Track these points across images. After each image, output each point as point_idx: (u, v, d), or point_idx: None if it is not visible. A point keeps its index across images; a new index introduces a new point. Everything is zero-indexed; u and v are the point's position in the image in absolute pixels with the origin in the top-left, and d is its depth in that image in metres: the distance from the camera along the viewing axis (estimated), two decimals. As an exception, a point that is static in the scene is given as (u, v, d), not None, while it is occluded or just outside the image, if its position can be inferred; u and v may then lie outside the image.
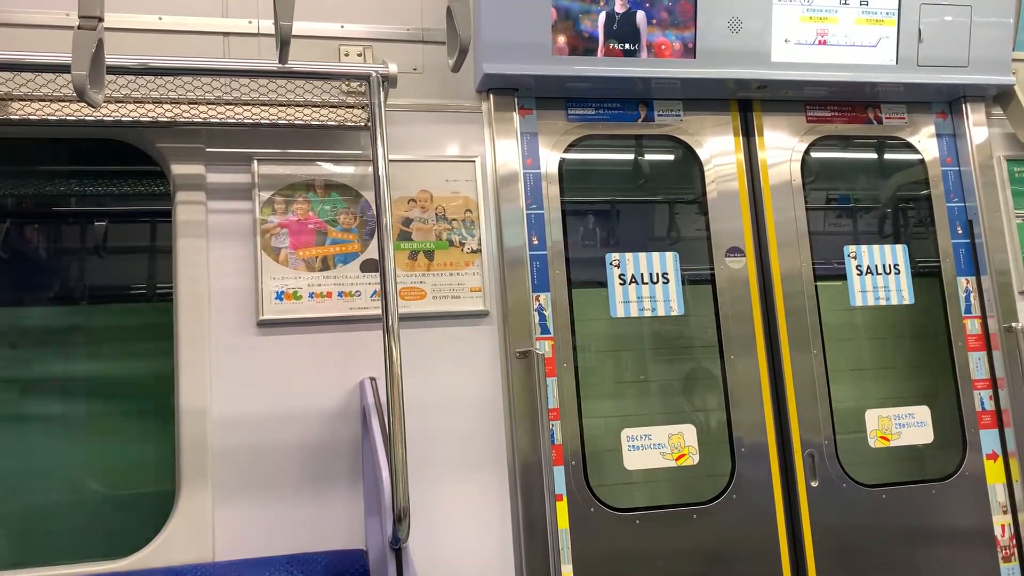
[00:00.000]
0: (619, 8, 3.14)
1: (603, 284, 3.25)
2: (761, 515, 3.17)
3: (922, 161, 3.66)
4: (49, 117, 2.71)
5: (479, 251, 3.11)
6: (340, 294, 2.96)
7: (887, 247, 3.54)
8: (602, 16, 3.13)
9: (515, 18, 3.06)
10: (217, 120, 2.85)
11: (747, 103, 3.51)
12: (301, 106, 2.93)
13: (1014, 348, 3.41)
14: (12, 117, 2.70)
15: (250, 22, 3.05)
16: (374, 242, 2.98)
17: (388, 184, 2.67)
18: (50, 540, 3.10)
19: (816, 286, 3.38)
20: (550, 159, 3.26)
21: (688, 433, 3.19)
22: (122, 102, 2.78)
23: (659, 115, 3.42)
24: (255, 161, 2.98)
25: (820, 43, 3.35)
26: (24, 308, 3.35)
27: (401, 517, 2.36)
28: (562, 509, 2.99)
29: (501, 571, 2.90)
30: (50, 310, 3.38)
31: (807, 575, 3.16)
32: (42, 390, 3.23)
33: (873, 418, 3.37)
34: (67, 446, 3.20)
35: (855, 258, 3.50)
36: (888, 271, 3.50)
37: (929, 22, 3.41)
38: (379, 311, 2.62)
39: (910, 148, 3.67)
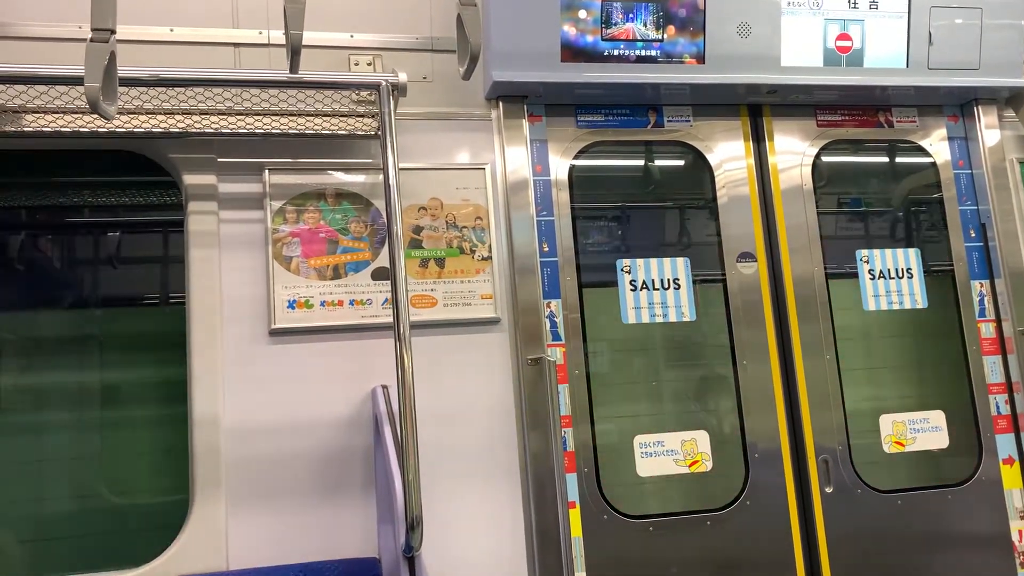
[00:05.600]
0: (626, 15, 3.14)
1: (614, 290, 3.25)
2: (775, 522, 3.15)
3: (934, 164, 3.64)
4: (62, 129, 2.74)
5: (490, 258, 3.11)
6: (351, 302, 2.96)
7: (899, 251, 3.52)
8: (613, 26, 3.13)
9: (524, 26, 3.06)
10: (228, 130, 2.86)
11: (757, 108, 3.50)
12: (312, 116, 2.94)
13: (1029, 352, 3.39)
14: (26, 129, 2.72)
15: (260, 32, 3.07)
16: (385, 250, 2.99)
17: (398, 192, 2.69)
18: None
19: (829, 290, 3.37)
20: (560, 166, 3.26)
21: (701, 439, 3.17)
22: (134, 113, 2.80)
23: (669, 121, 3.42)
24: (266, 171, 2.99)
25: (830, 47, 3.34)
26: (39, 317, 3.38)
27: (414, 525, 2.36)
28: (575, 516, 2.99)
29: (514, 579, 2.90)
30: (64, 319, 3.40)
31: (822, 582, 3.14)
32: (56, 396, 3.25)
33: (888, 423, 3.35)
34: (82, 451, 3.22)
35: (867, 262, 3.48)
36: (901, 275, 3.49)
37: (940, 25, 3.39)
38: (390, 319, 2.62)
39: (921, 151, 3.66)
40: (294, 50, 2.52)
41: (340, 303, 2.95)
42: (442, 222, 3.10)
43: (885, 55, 3.39)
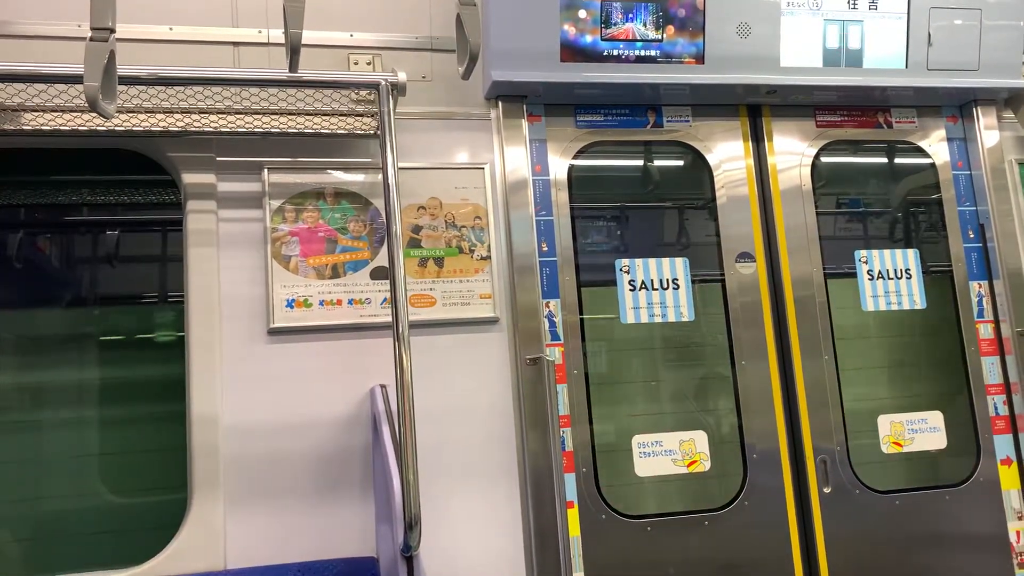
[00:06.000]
0: (626, 15, 3.14)
1: (613, 290, 3.25)
2: (773, 522, 3.15)
3: (933, 165, 3.64)
4: (61, 127, 2.73)
5: (489, 258, 3.11)
6: (350, 302, 2.96)
7: (898, 251, 3.52)
8: (612, 26, 3.13)
9: (523, 26, 3.06)
10: (227, 129, 2.86)
11: (756, 108, 3.50)
12: (311, 115, 2.94)
13: (1028, 353, 3.39)
14: (25, 128, 2.72)
15: (260, 31, 3.06)
16: (384, 249, 2.99)
17: (397, 191, 2.69)
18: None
19: (827, 291, 3.37)
20: (559, 165, 3.26)
21: (699, 439, 3.18)
22: (133, 112, 2.80)
23: (668, 121, 3.42)
24: (265, 170, 2.99)
25: (829, 47, 3.34)
26: (37, 315, 3.37)
27: (412, 525, 2.36)
28: (573, 516, 2.99)
29: (512, 579, 2.90)
30: (62, 317, 3.40)
31: (820, 582, 3.14)
32: (54, 394, 3.25)
33: (886, 423, 3.35)
34: (82, 449, 3.22)
35: (866, 263, 3.48)
36: (899, 276, 3.49)
37: (939, 26, 3.40)
38: (389, 318, 2.62)
39: (921, 152, 3.66)
40: (293, 49, 2.52)
41: (339, 302, 2.95)
42: (441, 221, 3.10)
43: (884, 56, 3.39)
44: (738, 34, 3.23)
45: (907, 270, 3.50)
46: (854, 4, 3.34)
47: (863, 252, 3.49)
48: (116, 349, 3.37)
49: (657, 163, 3.71)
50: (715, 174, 3.41)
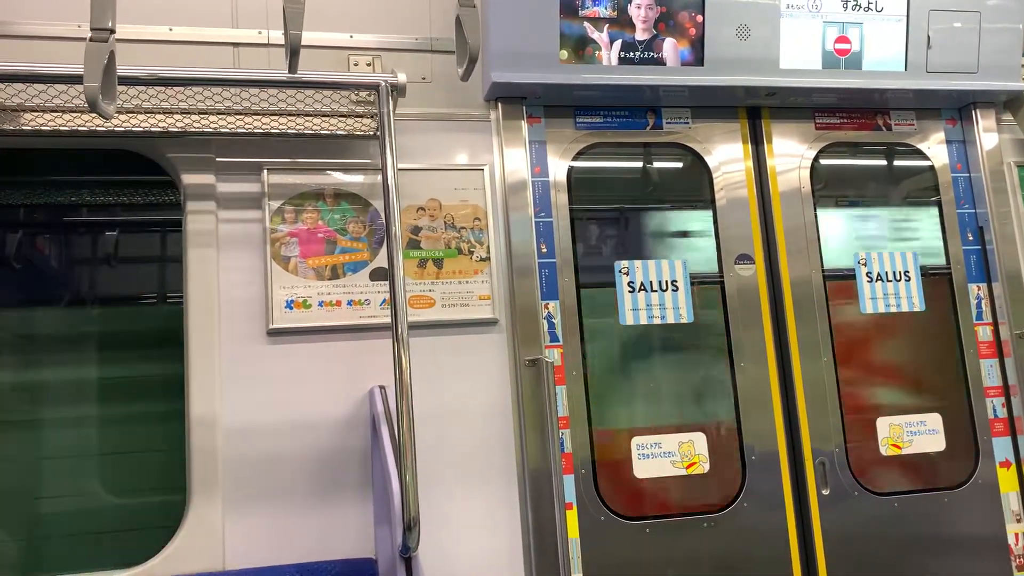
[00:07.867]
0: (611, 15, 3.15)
1: (612, 292, 3.25)
2: (772, 524, 3.15)
3: (932, 167, 3.64)
4: (61, 128, 2.73)
5: (488, 259, 3.11)
6: (349, 303, 2.96)
7: (897, 254, 3.52)
8: (606, 31, 3.14)
9: (523, 27, 3.07)
10: (227, 130, 2.86)
11: (756, 110, 3.51)
12: (311, 116, 2.94)
13: (1026, 355, 3.40)
14: (25, 128, 2.72)
15: (260, 32, 3.07)
16: (383, 251, 2.99)
17: (397, 193, 2.69)
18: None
19: (826, 292, 3.37)
20: (558, 167, 3.26)
21: (698, 441, 3.18)
22: (133, 113, 2.80)
23: (667, 123, 3.42)
24: (265, 171, 2.99)
25: (828, 50, 3.34)
26: (36, 315, 3.37)
27: (411, 526, 2.36)
28: (572, 518, 2.99)
29: (511, 580, 2.90)
30: (61, 317, 3.40)
31: (819, 584, 3.14)
32: (53, 394, 3.25)
33: (885, 426, 3.35)
34: (82, 450, 3.21)
35: (865, 265, 3.48)
36: (898, 278, 3.49)
37: (938, 28, 3.40)
38: (388, 319, 2.62)
39: (920, 155, 3.66)
40: (293, 50, 2.52)
41: (338, 303, 2.95)
42: (440, 223, 3.11)
43: (884, 58, 3.39)
44: (738, 36, 3.23)
45: (906, 272, 3.50)
46: (853, 6, 3.34)
47: (862, 254, 3.50)
48: (115, 349, 3.36)
49: (656, 165, 3.71)
50: (714, 176, 3.41)
